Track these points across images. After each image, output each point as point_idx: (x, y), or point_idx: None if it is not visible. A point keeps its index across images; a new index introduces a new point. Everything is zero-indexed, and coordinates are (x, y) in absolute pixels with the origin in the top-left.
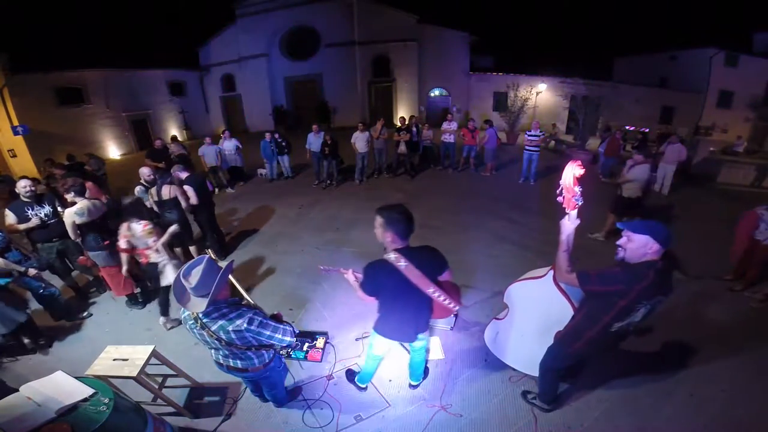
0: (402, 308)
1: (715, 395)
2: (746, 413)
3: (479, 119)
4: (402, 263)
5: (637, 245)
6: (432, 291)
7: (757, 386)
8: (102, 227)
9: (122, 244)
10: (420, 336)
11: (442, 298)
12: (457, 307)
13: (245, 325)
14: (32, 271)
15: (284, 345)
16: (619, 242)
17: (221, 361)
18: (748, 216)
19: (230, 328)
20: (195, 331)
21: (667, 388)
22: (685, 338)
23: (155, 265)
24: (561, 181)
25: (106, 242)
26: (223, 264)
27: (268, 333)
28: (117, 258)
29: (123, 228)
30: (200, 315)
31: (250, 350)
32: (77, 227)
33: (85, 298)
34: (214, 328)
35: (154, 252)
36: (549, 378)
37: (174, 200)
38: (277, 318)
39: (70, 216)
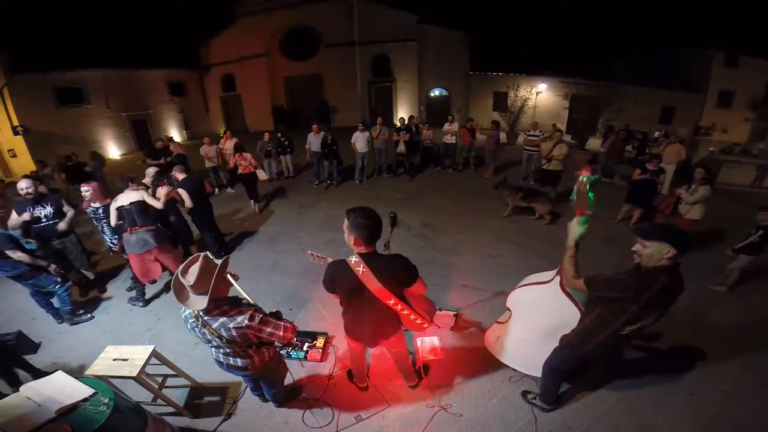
0: (357, 312)
1: (715, 395)
2: (746, 413)
3: (480, 120)
4: (360, 268)
5: (653, 251)
6: (392, 303)
7: (757, 386)
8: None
9: (231, 164)
10: (382, 342)
11: (405, 312)
12: (425, 325)
13: (246, 321)
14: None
15: (285, 342)
16: (634, 248)
17: (221, 360)
18: (672, 196)
19: (231, 326)
20: (196, 330)
21: (667, 388)
22: (684, 338)
23: (253, 173)
24: (575, 186)
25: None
26: (219, 262)
27: (269, 330)
28: (141, 246)
29: (237, 155)
30: (201, 313)
31: (250, 348)
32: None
33: (88, 300)
34: (215, 325)
35: (251, 166)
36: (553, 379)
37: (170, 200)
38: (276, 316)
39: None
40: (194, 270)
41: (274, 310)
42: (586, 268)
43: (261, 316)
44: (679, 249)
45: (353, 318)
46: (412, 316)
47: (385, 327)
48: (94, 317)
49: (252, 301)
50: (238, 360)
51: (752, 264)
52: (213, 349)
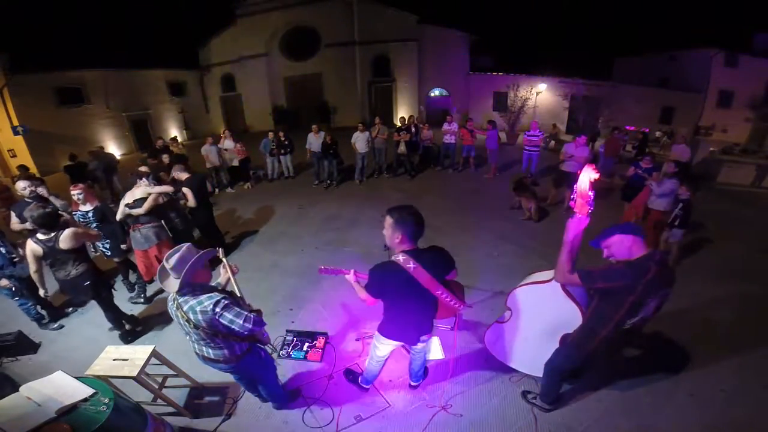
0: (408, 311)
1: (715, 395)
2: (746, 413)
3: (480, 119)
4: (411, 265)
5: (617, 246)
6: (440, 293)
7: (757, 386)
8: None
9: (237, 151)
10: (423, 338)
11: (448, 299)
12: (462, 308)
13: (211, 306)
14: (3, 282)
15: (245, 332)
16: (605, 256)
17: (196, 351)
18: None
19: (198, 309)
20: (174, 312)
21: (667, 388)
22: (684, 338)
23: (247, 157)
24: (576, 185)
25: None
26: (201, 252)
27: (229, 317)
28: (144, 242)
29: (240, 144)
30: (177, 295)
31: (217, 337)
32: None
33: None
34: (185, 308)
35: (246, 152)
36: (554, 378)
37: (174, 199)
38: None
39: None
40: (176, 256)
41: (255, 308)
42: (584, 266)
43: (225, 303)
44: (635, 234)
45: (400, 317)
46: (452, 302)
47: (429, 320)
48: (63, 326)
49: (239, 293)
50: (210, 351)
51: (686, 238)
52: (187, 336)
